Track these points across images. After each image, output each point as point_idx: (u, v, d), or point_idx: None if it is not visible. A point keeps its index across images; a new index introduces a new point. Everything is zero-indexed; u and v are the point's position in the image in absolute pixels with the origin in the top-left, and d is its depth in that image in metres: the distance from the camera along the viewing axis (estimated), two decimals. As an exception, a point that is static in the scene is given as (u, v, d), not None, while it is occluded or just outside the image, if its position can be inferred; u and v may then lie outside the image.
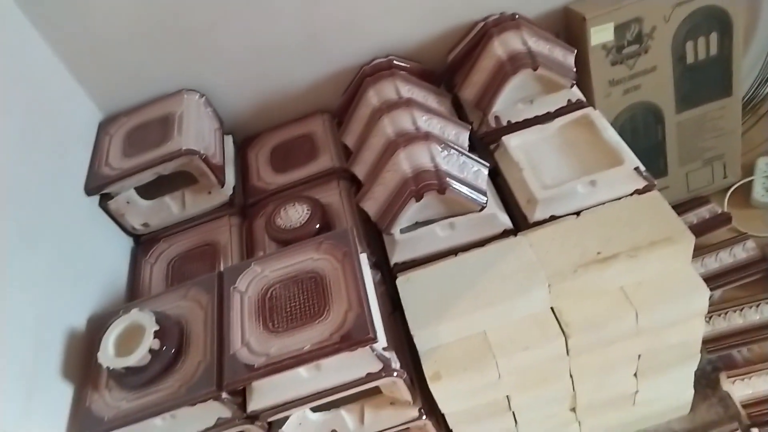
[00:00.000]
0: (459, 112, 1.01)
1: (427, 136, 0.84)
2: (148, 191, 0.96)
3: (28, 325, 0.69)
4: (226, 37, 0.98)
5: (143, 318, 0.71)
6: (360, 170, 0.91)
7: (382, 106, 0.91)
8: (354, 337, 0.65)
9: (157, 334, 0.70)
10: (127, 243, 0.97)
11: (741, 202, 1.21)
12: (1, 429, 0.60)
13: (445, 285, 0.76)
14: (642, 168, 0.83)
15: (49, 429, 0.68)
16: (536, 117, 0.94)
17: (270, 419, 0.72)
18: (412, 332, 0.72)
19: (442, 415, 0.81)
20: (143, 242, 0.98)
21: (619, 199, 0.80)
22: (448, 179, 0.80)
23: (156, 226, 0.97)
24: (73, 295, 0.80)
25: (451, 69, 1.03)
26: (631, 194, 0.80)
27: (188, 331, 0.74)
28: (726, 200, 1.22)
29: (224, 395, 0.69)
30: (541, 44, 0.95)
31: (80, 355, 0.76)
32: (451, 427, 0.83)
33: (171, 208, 0.97)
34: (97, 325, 0.76)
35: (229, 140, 1.07)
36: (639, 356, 0.79)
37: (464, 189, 0.81)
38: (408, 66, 1.02)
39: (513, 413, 0.83)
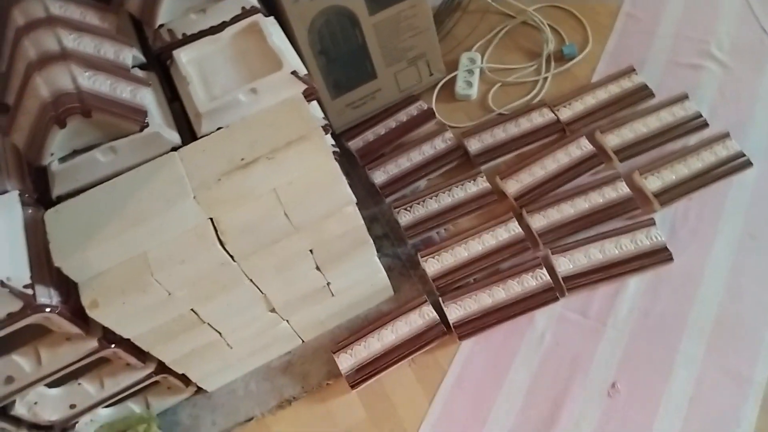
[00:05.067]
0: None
1: (65, 57, 0.77)
2: None
3: None
4: None
5: None
6: (11, 99, 0.83)
7: (25, 25, 0.82)
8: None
9: None
10: None
11: (447, 97, 1.31)
12: None
13: (94, 211, 0.73)
14: (301, 71, 0.85)
15: None
16: (211, 27, 0.91)
17: None
18: (56, 264, 0.69)
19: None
20: None
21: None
22: (93, 101, 0.75)
23: None
24: None
25: (120, -19, 0.95)
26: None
27: None
28: (434, 96, 1.30)
29: None
30: (201, -51, 0.91)
31: None
32: (146, 349, 0.83)
33: None
34: None
35: None
36: (311, 251, 0.84)
37: (116, 109, 0.78)
38: (66, -20, 0.92)
39: (209, 324, 0.86)
